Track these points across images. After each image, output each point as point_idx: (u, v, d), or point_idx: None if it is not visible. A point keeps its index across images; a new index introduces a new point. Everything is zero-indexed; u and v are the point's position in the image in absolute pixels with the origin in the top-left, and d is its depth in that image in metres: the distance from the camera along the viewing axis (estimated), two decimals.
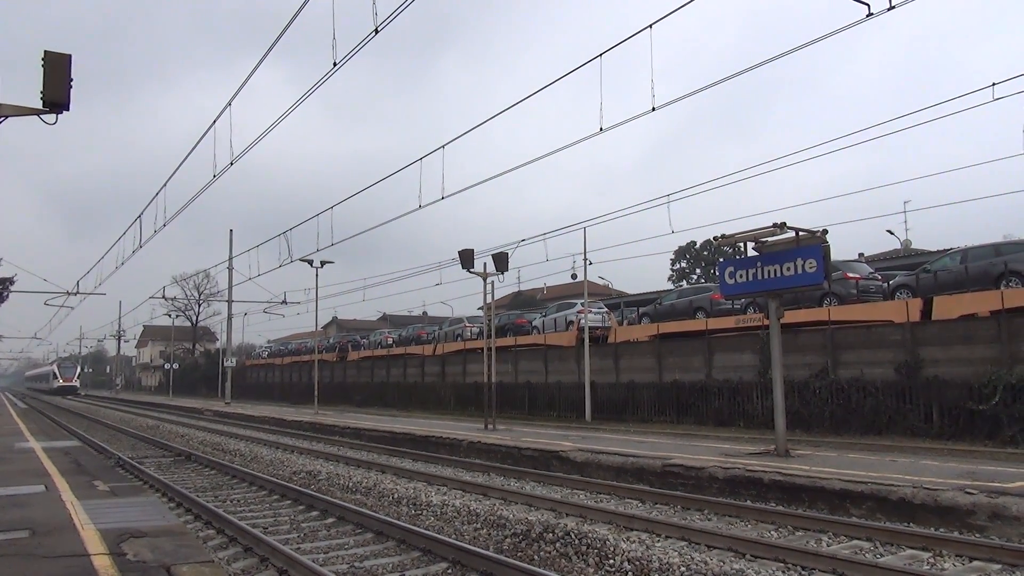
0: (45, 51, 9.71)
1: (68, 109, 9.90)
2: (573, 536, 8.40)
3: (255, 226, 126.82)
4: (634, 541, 8.27)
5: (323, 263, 37.88)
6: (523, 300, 61.86)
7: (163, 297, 56.13)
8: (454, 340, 42.82)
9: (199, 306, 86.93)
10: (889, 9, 11.27)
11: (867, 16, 11.43)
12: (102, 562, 5.94)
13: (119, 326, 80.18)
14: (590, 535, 8.34)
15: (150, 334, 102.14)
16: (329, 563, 8.20)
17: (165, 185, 22.70)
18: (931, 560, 7.78)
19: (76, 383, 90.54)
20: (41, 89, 9.61)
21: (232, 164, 17.70)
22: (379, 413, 36.02)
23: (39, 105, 9.79)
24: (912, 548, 8.15)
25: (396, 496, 11.86)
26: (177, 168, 21.24)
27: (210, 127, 17.48)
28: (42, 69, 9.59)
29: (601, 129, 15.29)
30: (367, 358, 51.18)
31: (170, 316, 76.67)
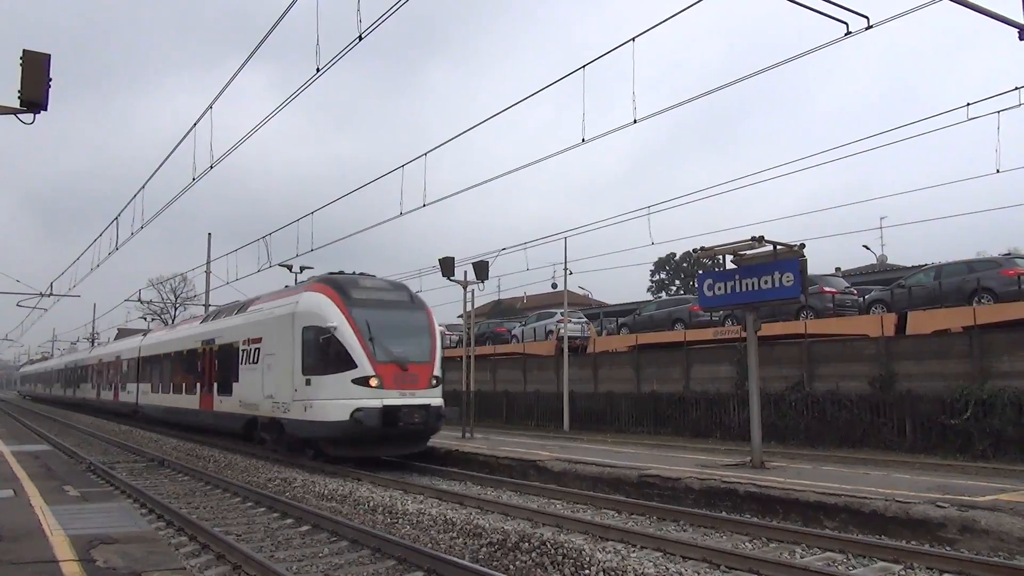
0: (24, 50, 9.61)
1: (46, 109, 9.79)
2: (549, 546, 8.39)
3: (234, 230, 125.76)
4: (609, 551, 8.29)
5: (302, 268, 37.63)
6: (503, 309, 61.85)
7: (139, 300, 55.47)
8: None
9: (175, 310, 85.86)
10: (867, 28, 11.45)
11: (845, 35, 11.60)
12: (71, 569, 5.86)
13: (93, 329, 79.02)
14: (566, 545, 8.34)
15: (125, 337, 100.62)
16: (303, 571, 8.14)
17: (143, 187, 22.45)
18: (902, 572, 7.87)
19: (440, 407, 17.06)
20: (18, 88, 9.51)
21: (212, 168, 17.56)
22: None
23: (16, 104, 9.68)
24: (884, 560, 8.24)
25: (372, 504, 11.79)
26: (156, 170, 21.06)
27: (190, 130, 17.34)
28: (20, 68, 9.50)
29: (583, 140, 15.37)
30: None
31: (145, 319, 75.57)
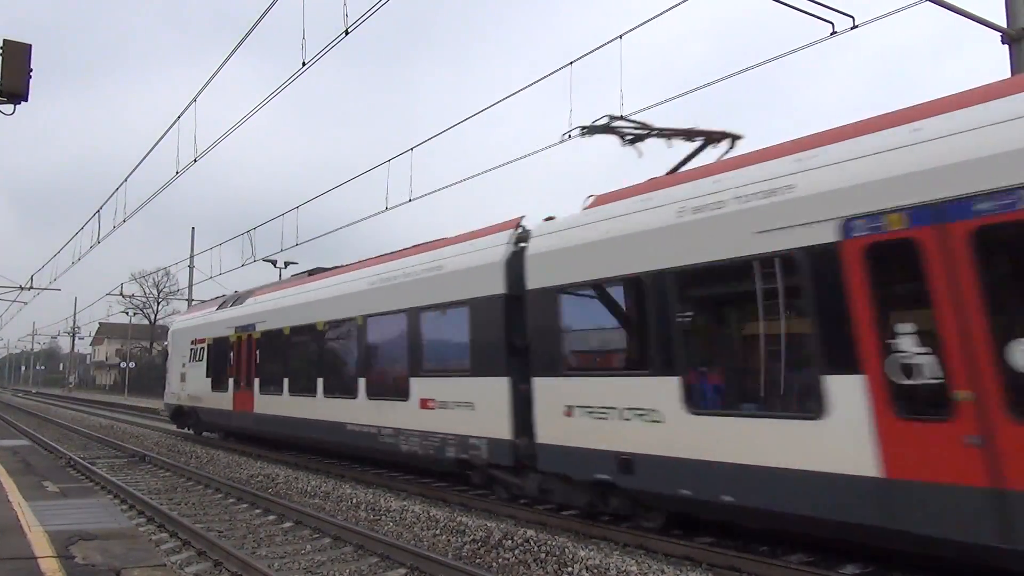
0: (4, 40, 9.49)
1: (26, 100, 9.69)
2: (532, 543, 8.41)
3: (218, 224, 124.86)
4: (592, 548, 8.31)
5: (287, 263, 37.53)
6: None
7: (121, 294, 54.94)
8: None
9: (158, 304, 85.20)
10: (852, 28, 11.52)
11: (831, 35, 11.67)
12: (49, 565, 5.81)
13: (74, 323, 78.35)
14: (549, 542, 8.35)
15: (106, 332, 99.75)
16: (285, 568, 8.12)
17: (126, 180, 22.26)
18: None
19: None
20: None
21: (196, 161, 17.43)
22: None
23: None
24: None
25: (355, 501, 11.76)
26: (139, 164, 20.87)
27: (174, 123, 17.20)
28: (0, 58, 9.38)
29: (569, 136, 15.37)
30: None
31: (127, 314, 75.08)
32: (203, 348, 21.41)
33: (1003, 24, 11.74)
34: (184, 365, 22.76)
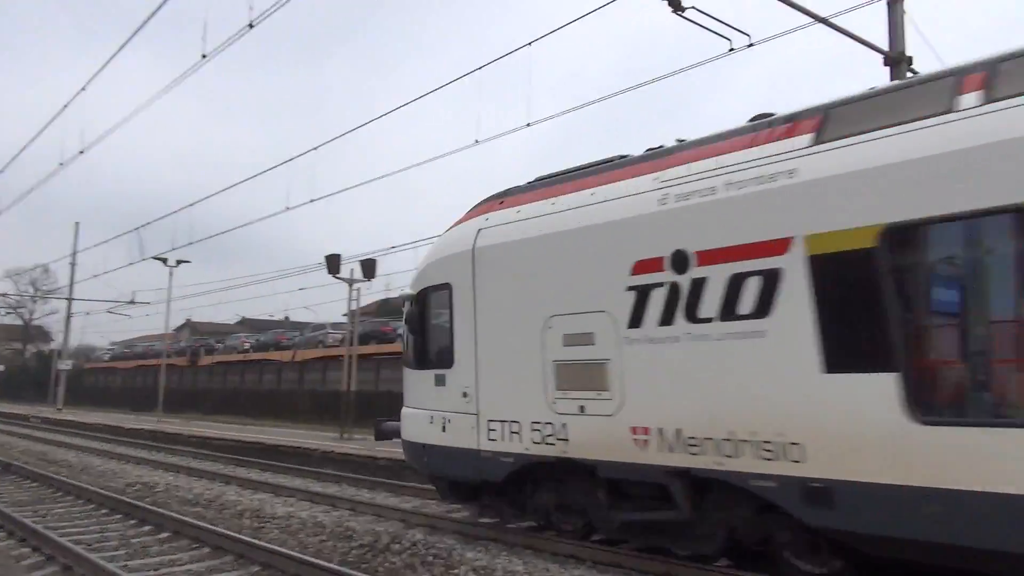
0: None
1: None
2: (420, 546, 8.35)
3: (108, 221, 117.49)
4: (480, 550, 8.32)
5: (178, 262, 36.05)
6: (390, 308, 61.09)
7: None
8: (315, 347, 41.64)
9: (34, 303, 79.85)
10: (749, 46, 12.04)
11: (728, 51, 12.15)
12: None
13: None
14: (437, 545, 8.32)
15: None
16: None
17: (3, 171, 20.81)
18: None
19: None
20: None
21: (82, 152, 16.50)
22: (229, 421, 34.44)
23: None
24: None
25: (239, 508, 11.35)
26: (18, 154, 19.57)
27: (60, 112, 16.25)
28: None
29: (476, 141, 15.47)
30: (221, 363, 48.89)
31: None
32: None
33: (885, 47, 12.54)
34: (598, 341, 7.65)
